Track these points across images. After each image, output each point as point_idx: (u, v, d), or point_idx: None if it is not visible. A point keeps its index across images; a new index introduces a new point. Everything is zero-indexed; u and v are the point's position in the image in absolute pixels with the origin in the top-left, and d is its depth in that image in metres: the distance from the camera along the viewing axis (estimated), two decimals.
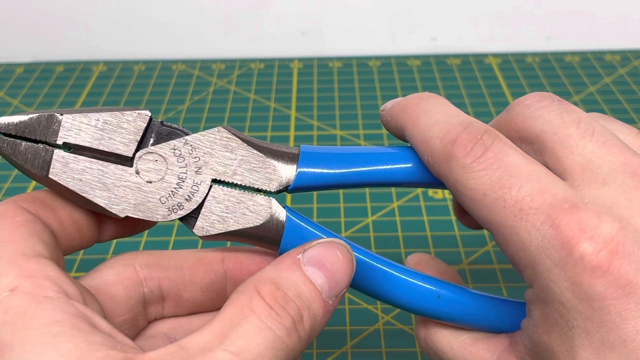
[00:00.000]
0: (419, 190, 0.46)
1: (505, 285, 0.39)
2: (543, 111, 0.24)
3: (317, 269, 0.22)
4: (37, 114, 0.24)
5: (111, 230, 0.26)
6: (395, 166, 0.26)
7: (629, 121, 0.54)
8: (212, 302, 0.28)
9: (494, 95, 0.58)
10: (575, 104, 0.56)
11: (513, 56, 0.64)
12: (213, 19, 0.65)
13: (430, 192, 0.46)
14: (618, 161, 0.22)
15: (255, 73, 0.63)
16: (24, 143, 0.24)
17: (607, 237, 0.20)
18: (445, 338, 0.26)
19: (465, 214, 0.29)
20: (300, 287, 0.22)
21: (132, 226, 0.26)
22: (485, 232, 0.42)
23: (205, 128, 0.25)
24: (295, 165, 0.25)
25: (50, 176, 0.24)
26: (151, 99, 0.59)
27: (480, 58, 0.64)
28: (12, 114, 0.24)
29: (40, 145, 0.24)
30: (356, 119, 0.55)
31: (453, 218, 0.44)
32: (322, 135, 0.53)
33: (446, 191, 0.46)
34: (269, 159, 0.25)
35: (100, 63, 0.65)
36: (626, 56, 0.64)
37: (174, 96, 0.59)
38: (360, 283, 0.26)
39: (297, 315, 0.21)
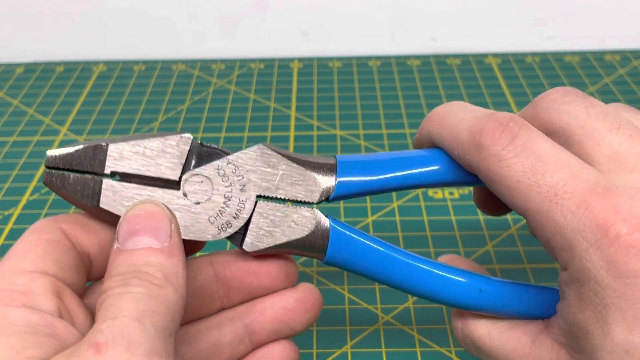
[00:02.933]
0: (419, 190, 0.46)
1: None
2: (568, 105, 0.24)
3: (134, 236, 0.22)
4: (82, 146, 0.24)
5: None
6: (429, 168, 0.27)
7: None
8: (206, 306, 0.28)
9: (494, 95, 0.58)
10: None
11: (513, 56, 0.64)
12: (213, 19, 0.65)
13: (430, 192, 0.46)
14: None
15: (255, 73, 0.63)
16: (72, 175, 0.24)
17: None
18: (483, 326, 0.27)
19: (486, 201, 0.30)
20: (128, 260, 0.22)
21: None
22: (485, 231, 0.42)
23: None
24: (335, 176, 0.26)
25: (101, 205, 0.24)
26: (151, 99, 0.59)
27: (480, 58, 0.64)
28: (58, 147, 0.25)
29: (89, 176, 0.24)
30: (356, 119, 0.55)
31: (453, 218, 0.44)
32: (322, 135, 0.53)
33: (446, 191, 0.46)
34: (309, 172, 0.26)
35: (100, 63, 0.65)
36: (626, 56, 0.64)
37: (174, 96, 0.59)
38: (403, 283, 0.27)
39: (142, 275, 0.21)
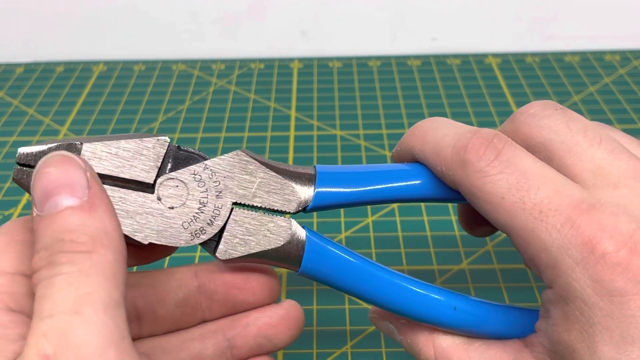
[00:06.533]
0: None
1: (505, 285, 0.39)
2: (549, 120, 0.24)
3: (50, 198, 0.21)
4: (55, 144, 0.24)
5: (128, 256, 0.26)
6: (410, 183, 0.26)
7: (629, 121, 0.54)
8: (188, 317, 0.27)
9: (494, 96, 0.58)
10: (575, 104, 0.56)
11: (513, 56, 0.64)
12: (213, 19, 0.65)
13: None
14: (628, 167, 0.23)
15: (255, 73, 0.63)
16: None
17: (625, 236, 0.21)
18: (459, 348, 0.26)
19: (473, 224, 0.30)
20: (49, 228, 0.21)
21: (151, 252, 0.26)
22: None
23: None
24: (313, 186, 0.26)
25: None
26: (151, 99, 0.59)
27: (480, 58, 0.64)
28: (31, 144, 0.24)
29: None
30: (356, 119, 0.55)
31: (453, 218, 0.44)
32: (322, 135, 0.53)
33: None
34: (287, 181, 0.25)
35: (100, 63, 0.65)
36: (626, 56, 0.64)
37: (174, 96, 0.59)
38: (377, 297, 0.26)
39: (67, 245, 0.20)
